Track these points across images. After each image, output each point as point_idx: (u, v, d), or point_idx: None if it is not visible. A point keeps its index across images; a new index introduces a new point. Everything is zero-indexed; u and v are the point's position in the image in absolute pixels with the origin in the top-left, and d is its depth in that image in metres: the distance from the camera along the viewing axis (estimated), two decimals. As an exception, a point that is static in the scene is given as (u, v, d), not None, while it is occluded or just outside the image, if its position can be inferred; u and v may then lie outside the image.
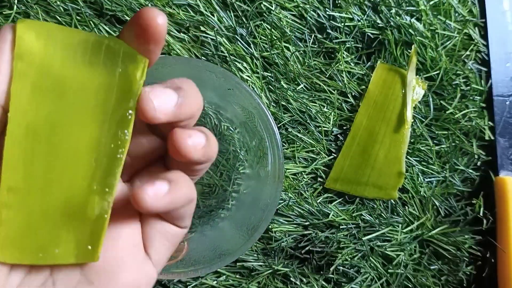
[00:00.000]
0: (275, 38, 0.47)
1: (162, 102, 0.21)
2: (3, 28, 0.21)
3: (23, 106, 0.21)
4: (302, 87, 0.48)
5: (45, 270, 0.23)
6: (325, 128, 0.48)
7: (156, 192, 0.21)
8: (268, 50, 0.47)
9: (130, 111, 0.21)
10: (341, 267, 0.47)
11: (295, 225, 0.47)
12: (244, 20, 0.47)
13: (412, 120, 0.48)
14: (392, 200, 0.48)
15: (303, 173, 0.48)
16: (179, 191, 0.22)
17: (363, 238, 0.47)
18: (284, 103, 0.47)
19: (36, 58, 0.21)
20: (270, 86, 0.47)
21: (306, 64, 0.48)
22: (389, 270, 0.47)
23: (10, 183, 0.21)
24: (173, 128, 0.22)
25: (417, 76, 0.48)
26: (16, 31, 0.21)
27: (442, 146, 0.49)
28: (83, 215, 0.22)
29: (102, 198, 0.22)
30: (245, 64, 0.47)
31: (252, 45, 0.47)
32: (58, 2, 0.45)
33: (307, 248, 0.46)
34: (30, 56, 0.21)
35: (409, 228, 0.48)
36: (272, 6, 0.47)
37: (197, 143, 0.22)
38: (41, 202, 0.22)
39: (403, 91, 0.48)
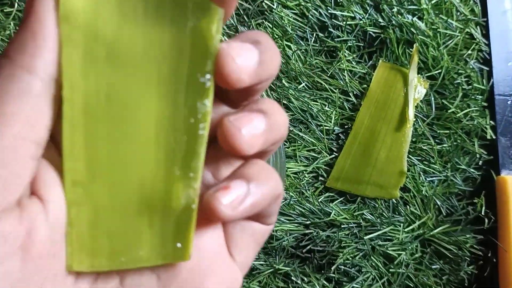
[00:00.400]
0: (277, 36, 0.47)
1: (244, 60, 0.17)
2: None
3: (76, 79, 0.17)
4: (303, 86, 0.48)
5: (113, 277, 0.19)
6: (327, 127, 0.48)
7: (234, 200, 0.17)
8: (270, 48, 0.47)
9: (208, 76, 0.17)
10: (342, 267, 0.46)
11: (296, 224, 0.47)
12: (246, 18, 0.47)
13: (414, 119, 0.48)
14: (393, 199, 0.48)
15: (304, 172, 0.48)
16: (262, 191, 0.18)
17: (365, 238, 0.46)
18: (285, 102, 0.47)
19: (86, 19, 0.17)
20: (271, 84, 0.47)
21: (308, 62, 0.48)
22: (391, 270, 0.47)
23: (75, 176, 0.18)
24: (248, 92, 0.19)
25: (419, 75, 0.48)
26: None
27: (444, 145, 0.49)
28: (166, 207, 0.18)
29: (187, 185, 0.18)
30: (246, 63, 0.47)
31: (253, 44, 0.47)
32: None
33: (308, 247, 0.46)
34: (77, 17, 0.17)
35: (410, 227, 0.48)
36: (273, 5, 0.47)
37: (254, 133, 0.18)
38: (112, 195, 0.18)
39: (405, 90, 0.47)
